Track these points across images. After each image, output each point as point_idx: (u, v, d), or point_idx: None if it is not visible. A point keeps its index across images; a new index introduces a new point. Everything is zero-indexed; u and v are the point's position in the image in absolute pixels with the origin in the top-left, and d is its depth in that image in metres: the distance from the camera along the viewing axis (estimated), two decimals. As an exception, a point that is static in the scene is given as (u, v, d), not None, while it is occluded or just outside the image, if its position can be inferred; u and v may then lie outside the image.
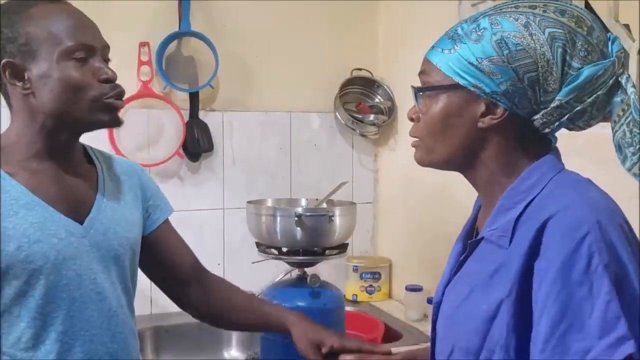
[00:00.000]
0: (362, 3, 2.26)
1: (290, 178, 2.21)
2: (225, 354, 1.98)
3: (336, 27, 2.24)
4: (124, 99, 1.04)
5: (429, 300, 1.87)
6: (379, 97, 2.26)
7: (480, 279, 0.77)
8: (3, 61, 0.95)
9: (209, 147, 2.06)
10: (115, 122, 1.03)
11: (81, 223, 1.01)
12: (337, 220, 1.41)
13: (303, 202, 1.66)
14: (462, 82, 0.77)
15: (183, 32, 2.00)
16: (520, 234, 0.74)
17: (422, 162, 0.86)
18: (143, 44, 1.94)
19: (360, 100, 2.26)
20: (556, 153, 0.82)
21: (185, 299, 1.24)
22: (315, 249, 1.44)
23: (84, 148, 1.10)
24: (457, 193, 1.84)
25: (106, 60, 1.02)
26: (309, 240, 1.41)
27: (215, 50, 1.98)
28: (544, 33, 0.74)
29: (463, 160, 0.82)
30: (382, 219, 2.32)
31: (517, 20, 0.75)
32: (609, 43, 0.77)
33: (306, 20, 2.20)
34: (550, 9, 0.75)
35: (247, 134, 2.14)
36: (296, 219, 1.38)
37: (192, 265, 1.24)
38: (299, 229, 1.39)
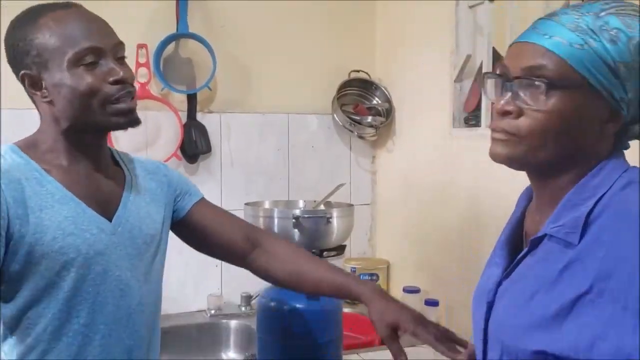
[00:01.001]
0: (359, 4, 2.27)
1: (288, 180, 2.21)
2: (223, 355, 1.98)
3: (334, 28, 2.24)
4: (134, 98, 1.04)
5: (427, 302, 1.87)
6: (376, 98, 2.26)
7: (546, 277, 0.74)
8: (21, 73, 0.99)
9: (206, 148, 2.07)
10: (133, 123, 1.04)
11: (109, 220, 1.04)
12: (335, 221, 1.41)
13: (301, 204, 1.66)
14: (594, 81, 0.71)
15: (181, 34, 2.00)
16: (596, 230, 0.71)
17: (506, 159, 0.79)
18: (141, 46, 1.95)
19: (358, 101, 2.26)
20: (622, 153, 0.79)
21: (251, 267, 1.23)
22: (313, 250, 1.44)
23: (110, 150, 1.13)
24: (455, 195, 1.84)
25: (121, 57, 1.02)
26: (306, 242, 1.41)
27: (213, 51, 1.99)
28: None
29: (564, 164, 0.76)
30: (380, 220, 2.32)
31: (632, 20, 0.71)
32: None
33: (304, 21, 2.20)
34: None
35: (245, 135, 2.14)
36: (294, 220, 1.38)
37: (244, 234, 1.23)
38: (296, 230, 1.39)
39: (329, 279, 1.16)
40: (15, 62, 1.00)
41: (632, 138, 0.78)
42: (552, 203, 0.78)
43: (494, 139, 0.80)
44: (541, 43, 0.73)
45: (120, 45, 1.02)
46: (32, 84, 0.99)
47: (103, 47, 0.98)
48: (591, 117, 0.73)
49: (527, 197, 0.90)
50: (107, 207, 1.04)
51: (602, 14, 0.72)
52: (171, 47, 2.03)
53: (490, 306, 0.83)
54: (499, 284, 0.83)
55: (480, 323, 0.85)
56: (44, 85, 0.99)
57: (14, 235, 0.93)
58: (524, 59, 0.75)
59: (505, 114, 0.77)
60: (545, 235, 0.77)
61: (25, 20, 0.99)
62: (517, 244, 0.87)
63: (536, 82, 0.73)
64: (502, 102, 0.77)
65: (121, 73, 0.99)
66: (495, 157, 0.80)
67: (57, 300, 0.98)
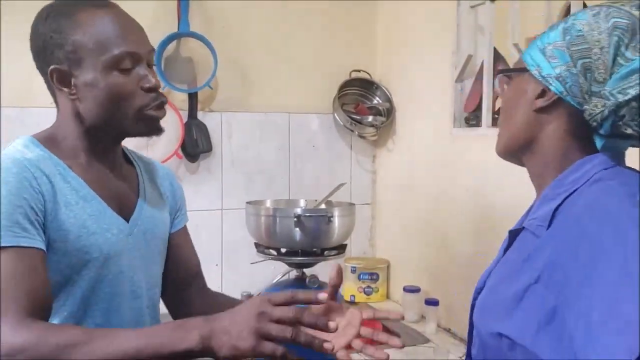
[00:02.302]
0: (360, 4, 2.27)
1: (289, 179, 2.21)
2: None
3: (335, 28, 2.24)
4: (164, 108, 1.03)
5: (427, 302, 1.88)
6: (377, 98, 2.26)
7: (514, 266, 0.79)
8: (51, 67, 0.96)
9: (207, 147, 2.07)
10: (157, 132, 1.03)
11: (126, 221, 1.03)
12: (336, 221, 1.42)
13: (302, 203, 1.66)
14: (529, 66, 0.80)
15: (182, 33, 2.00)
16: (555, 223, 0.75)
17: (496, 152, 0.90)
18: (142, 45, 1.95)
19: (359, 101, 2.26)
20: (616, 155, 0.79)
21: (176, 304, 1.23)
22: (314, 249, 1.44)
23: (123, 150, 1.12)
24: (455, 195, 1.84)
25: (150, 64, 1.02)
26: (308, 241, 1.41)
27: (214, 51, 1.99)
28: (607, 22, 0.74)
29: (521, 147, 0.84)
30: (380, 220, 2.33)
31: (592, 10, 0.77)
32: None
33: (305, 21, 2.20)
34: (634, 4, 0.75)
35: (246, 134, 2.15)
36: (295, 219, 1.38)
37: (194, 275, 1.24)
38: (298, 229, 1.39)
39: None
40: (45, 54, 0.97)
41: (598, 128, 0.76)
42: (538, 197, 0.84)
43: None
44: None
45: (152, 52, 1.02)
46: (61, 80, 0.97)
47: (140, 52, 0.98)
48: (524, 96, 0.81)
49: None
50: (123, 208, 1.04)
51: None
52: (172, 46, 2.03)
53: (479, 291, 0.89)
54: (490, 273, 0.89)
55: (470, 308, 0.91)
56: (73, 83, 0.96)
57: (46, 231, 0.91)
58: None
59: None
60: (522, 227, 0.82)
61: (62, 13, 0.97)
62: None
63: (499, 73, 0.87)
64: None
65: (154, 81, 0.99)
66: (497, 154, 0.91)
67: (75, 298, 0.97)
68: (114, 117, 0.98)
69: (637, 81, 0.71)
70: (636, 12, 0.74)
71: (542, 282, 0.71)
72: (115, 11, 1.00)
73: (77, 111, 0.99)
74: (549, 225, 0.75)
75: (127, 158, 1.12)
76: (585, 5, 1.42)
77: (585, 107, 0.76)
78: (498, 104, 1.76)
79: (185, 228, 1.23)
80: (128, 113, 0.98)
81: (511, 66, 1.73)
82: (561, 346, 0.68)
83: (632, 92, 0.71)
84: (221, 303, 1.16)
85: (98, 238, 0.96)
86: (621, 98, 0.72)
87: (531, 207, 0.90)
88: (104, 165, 1.03)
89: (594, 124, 0.76)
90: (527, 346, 0.72)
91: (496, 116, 1.73)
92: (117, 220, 1.01)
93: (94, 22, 0.96)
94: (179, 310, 1.22)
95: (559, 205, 0.75)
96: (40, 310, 0.85)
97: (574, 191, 0.75)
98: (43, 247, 0.89)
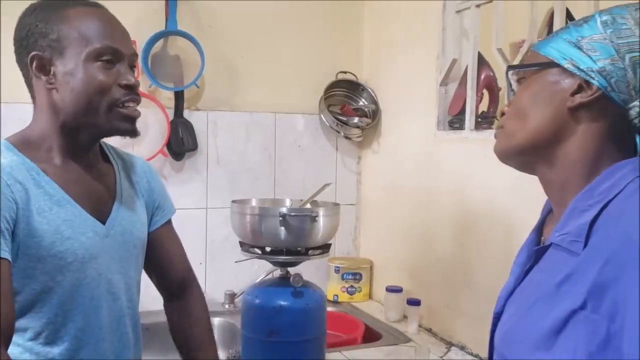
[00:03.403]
0: (347, 6, 2.29)
1: (274, 178, 2.22)
2: (206, 353, 1.98)
3: (322, 30, 2.26)
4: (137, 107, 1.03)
5: (409, 302, 1.90)
6: (363, 100, 2.28)
7: (545, 288, 0.70)
8: (32, 53, 0.97)
9: (193, 146, 2.07)
10: (133, 133, 1.03)
11: (102, 223, 1.03)
12: (321, 220, 1.43)
13: (287, 203, 1.67)
14: (558, 59, 0.73)
15: (169, 31, 2.00)
16: (596, 240, 0.67)
17: (498, 153, 0.80)
18: (129, 42, 1.94)
19: (345, 102, 2.28)
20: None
21: (165, 307, 1.28)
22: (299, 248, 1.45)
23: (101, 147, 1.11)
24: (439, 196, 1.87)
25: (132, 67, 1.03)
26: (292, 240, 1.42)
27: (202, 49, 1.99)
28: None
29: (543, 149, 0.75)
30: (364, 220, 2.35)
31: (628, 6, 0.72)
32: None
33: (292, 22, 2.21)
34: None
35: (232, 134, 2.15)
36: (280, 218, 1.39)
37: (181, 277, 1.26)
38: (283, 228, 1.39)
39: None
40: (27, 41, 0.97)
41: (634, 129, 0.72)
42: (562, 208, 0.75)
43: (495, 137, 0.82)
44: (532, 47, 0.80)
45: (135, 56, 1.04)
46: (40, 67, 0.97)
47: (123, 51, 0.99)
48: (555, 91, 0.74)
49: (548, 205, 0.86)
50: (100, 208, 1.03)
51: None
52: (159, 44, 2.03)
53: (498, 316, 0.81)
54: (511, 293, 0.80)
55: (489, 333, 0.83)
56: (52, 71, 0.97)
57: (16, 238, 0.91)
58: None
59: (502, 115, 0.81)
60: (551, 244, 0.74)
61: (51, 8, 0.98)
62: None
63: (510, 69, 0.79)
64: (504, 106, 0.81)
65: (132, 79, 1.00)
66: (496, 156, 0.81)
67: (52, 305, 0.96)
68: (89, 109, 0.98)
69: None
70: None
71: (589, 307, 0.64)
72: (104, 11, 1.02)
73: (53, 102, 0.98)
74: (586, 240, 0.67)
75: (104, 155, 1.11)
76: (568, 10, 1.44)
77: (633, 104, 0.70)
78: (482, 108, 1.79)
79: (168, 225, 1.22)
80: (101, 107, 0.98)
81: (495, 71, 1.77)
82: None
83: None
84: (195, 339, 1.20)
85: (73, 243, 0.96)
86: None
87: (542, 220, 0.84)
88: (80, 166, 1.02)
89: None
90: None
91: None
92: (92, 223, 1.00)
93: (82, 17, 0.98)
94: (176, 320, 1.24)
95: (595, 218, 0.68)
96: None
97: (608, 202, 0.68)
98: (8, 256, 0.88)
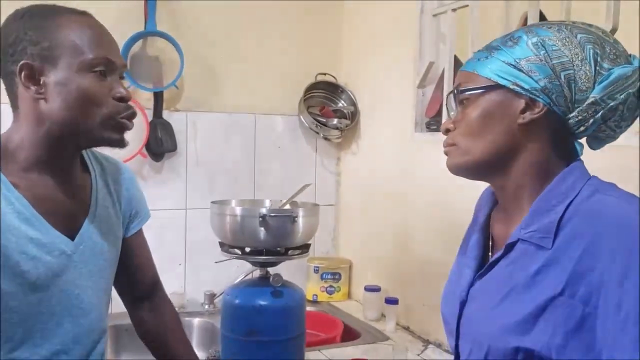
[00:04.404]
0: (327, 8, 2.31)
1: (254, 179, 2.23)
2: (186, 354, 1.98)
3: (301, 31, 2.27)
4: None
5: (387, 300, 1.92)
6: (342, 101, 2.31)
7: (519, 279, 0.79)
8: (22, 62, 0.93)
9: (172, 147, 2.07)
10: (122, 143, 1.01)
11: (72, 237, 1.01)
12: (300, 221, 1.44)
13: (267, 203, 1.68)
14: (502, 81, 0.81)
15: (148, 32, 2.00)
16: (566, 235, 0.76)
17: (454, 168, 0.87)
18: (107, 42, 1.93)
19: (324, 104, 2.30)
20: (581, 162, 0.84)
21: (135, 318, 1.28)
22: (278, 249, 1.46)
23: (81, 154, 1.08)
24: (416, 197, 1.89)
25: (121, 79, 1.02)
26: (272, 241, 1.43)
27: (181, 50, 1.99)
28: (576, 37, 0.79)
29: (498, 162, 0.83)
30: (343, 221, 2.37)
31: (550, 27, 0.81)
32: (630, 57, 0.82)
33: (272, 24, 2.22)
34: (578, 24, 0.82)
35: (211, 134, 2.15)
36: (260, 219, 1.40)
37: (151, 281, 1.27)
38: (262, 229, 1.41)
39: None
40: (15, 49, 0.93)
41: (582, 133, 0.82)
42: (516, 210, 0.85)
43: (446, 155, 0.89)
44: (462, 69, 0.88)
45: (125, 67, 1.03)
46: (30, 76, 0.93)
47: (116, 62, 0.98)
48: (505, 111, 0.82)
49: (489, 203, 0.95)
50: (70, 224, 1.01)
51: (513, 32, 0.84)
52: (138, 45, 2.03)
53: (462, 305, 0.88)
54: (471, 284, 0.88)
55: (451, 321, 0.91)
56: (42, 81, 0.93)
57: None
58: (454, 84, 0.90)
59: (446, 132, 0.88)
60: (517, 240, 0.82)
61: (42, 15, 0.95)
62: (484, 247, 0.92)
63: (460, 92, 0.85)
64: (444, 123, 0.89)
65: (125, 92, 0.98)
66: (450, 169, 0.89)
67: (11, 324, 0.94)
68: (81, 120, 0.95)
69: (622, 86, 0.78)
70: (592, 29, 0.81)
71: (567, 293, 0.73)
72: (94, 21, 1.00)
73: (39, 113, 0.95)
74: (554, 236, 0.77)
75: (83, 163, 1.08)
76: (542, 13, 1.48)
77: (571, 114, 0.80)
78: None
79: (140, 233, 1.22)
80: (95, 118, 0.96)
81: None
82: (590, 354, 0.71)
83: (621, 96, 0.78)
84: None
85: (37, 262, 0.94)
86: (612, 103, 0.78)
87: (485, 219, 0.93)
88: (55, 179, 0.99)
89: (581, 129, 0.81)
90: (552, 357, 0.73)
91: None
92: (60, 240, 0.98)
93: (74, 26, 0.95)
94: (148, 325, 1.26)
95: (562, 216, 0.77)
96: None
97: (570, 203, 0.78)
98: None
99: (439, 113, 1.81)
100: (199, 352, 1.96)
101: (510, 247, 0.83)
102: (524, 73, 0.80)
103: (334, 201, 2.37)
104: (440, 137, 1.75)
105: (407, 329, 1.93)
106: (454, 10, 1.76)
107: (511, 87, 0.81)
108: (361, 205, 2.23)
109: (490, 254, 0.91)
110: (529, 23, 1.48)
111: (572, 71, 0.78)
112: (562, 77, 0.79)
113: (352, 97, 2.27)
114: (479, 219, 0.95)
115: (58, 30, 0.94)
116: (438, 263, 1.79)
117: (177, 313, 1.32)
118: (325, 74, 2.28)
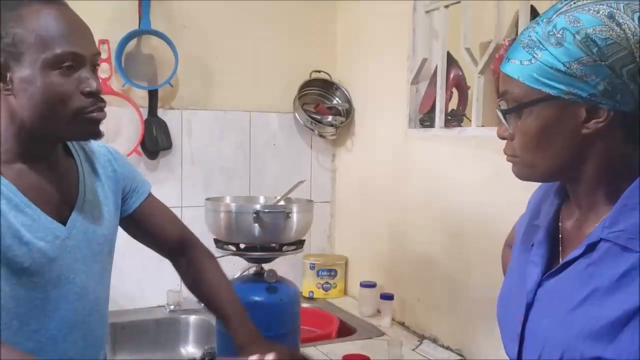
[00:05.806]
0: (321, 6, 2.31)
1: (249, 177, 2.24)
2: (182, 350, 1.99)
3: (296, 29, 2.28)
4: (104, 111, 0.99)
5: (382, 296, 1.94)
6: (337, 99, 2.31)
7: (602, 282, 0.71)
8: None
9: (167, 145, 2.07)
10: (96, 135, 0.99)
11: (64, 223, 1.00)
12: (295, 217, 1.45)
13: (262, 200, 1.69)
14: (553, 92, 0.71)
15: (143, 31, 2.00)
16: None
17: (522, 178, 0.80)
18: (102, 41, 1.94)
19: (319, 101, 2.31)
20: None
21: (179, 270, 1.29)
22: (273, 245, 1.47)
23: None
24: (410, 193, 1.90)
25: (95, 66, 0.98)
26: (266, 237, 1.44)
27: (175, 48, 2.00)
28: (633, 19, 0.68)
29: (568, 171, 0.76)
30: (339, 217, 2.38)
31: (598, 12, 0.69)
32: None
33: (266, 21, 2.23)
34: None
35: (206, 132, 2.16)
36: (254, 215, 1.40)
37: (177, 238, 1.26)
38: (257, 225, 1.41)
39: (227, 309, 1.24)
40: None
41: None
42: (593, 206, 0.77)
43: (508, 161, 0.82)
44: (504, 69, 0.76)
45: (98, 55, 0.98)
46: None
47: (84, 54, 0.93)
48: (564, 123, 0.72)
49: (557, 197, 0.86)
50: (61, 210, 1.01)
51: (554, 16, 0.72)
52: (133, 43, 2.03)
53: (528, 307, 0.80)
54: (539, 284, 0.80)
55: (514, 325, 0.82)
56: (8, 77, 0.91)
57: None
58: (499, 88, 0.78)
59: (503, 139, 0.80)
60: (599, 239, 0.74)
61: (6, 6, 0.91)
62: (552, 244, 0.84)
63: (506, 113, 0.76)
64: (498, 129, 0.80)
65: (95, 85, 0.94)
66: (518, 178, 0.82)
67: (8, 310, 0.94)
68: (49, 119, 0.93)
69: None
70: None
71: None
72: (62, 9, 0.94)
73: (11, 108, 0.94)
74: None
75: (66, 149, 1.07)
76: (533, 9, 1.48)
77: None
78: (451, 106, 1.83)
79: (149, 199, 1.21)
80: (63, 116, 0.93)
81: (464, 70, 1.81)
82: None
83: None
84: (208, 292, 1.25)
85: (31, 248, 0.94)
86: None
87: (555, 213, 0.84)
88: (40, 167, 0.99)
89: None
90: None
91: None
92: (52, 226, 0.98)
93: (38, 18, 0.90)
94: (187, 276, 1.28)
95: None
96: None
97: None
98: None
99: (432, 109, 1.82)
100: (195, 349, 1.97)
101: (592, 247, 0.74)
102: (578, 79, 0.69)
103: (329, 198, 2.38)
104: (434, 133, 1.79)
105: (402, 324, 1.94)
106: (446, 7, 1.77)
107: (566, 97, 0.70)
108: (356, 202, 2.24)
109: (559, 251, 0.82)
110: (520, 21, 1.49)
111: (634, 65, 0.68)
112: (625, 73, 0.68)
113: (347, 94, 2.27)
114: (544, 213, 0.87)
115: (20, 23, 0.90)
116: (433, 258, 1.80)
117: (214, 258, 1.31)
118: (319, 72, 2.29)
